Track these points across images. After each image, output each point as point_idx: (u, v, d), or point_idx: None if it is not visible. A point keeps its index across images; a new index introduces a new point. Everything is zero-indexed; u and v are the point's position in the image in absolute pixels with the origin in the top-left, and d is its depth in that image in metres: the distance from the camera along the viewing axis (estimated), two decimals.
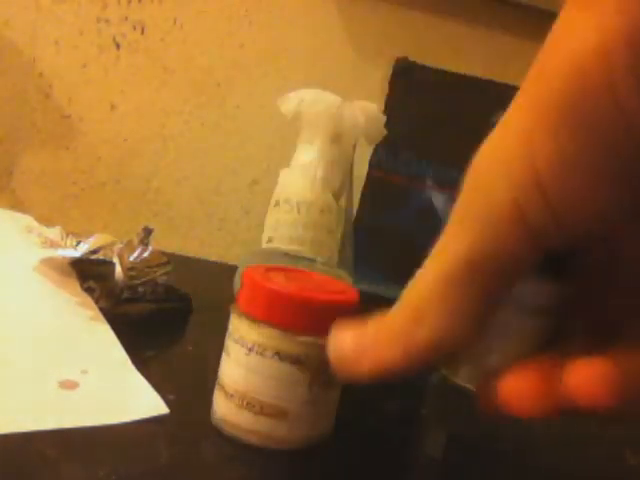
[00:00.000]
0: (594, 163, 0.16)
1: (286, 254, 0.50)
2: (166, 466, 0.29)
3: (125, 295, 0.45)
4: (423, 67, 0.61)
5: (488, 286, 0.18)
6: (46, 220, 0.57)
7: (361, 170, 0.60)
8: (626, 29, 0.15)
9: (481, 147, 0.19)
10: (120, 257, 0.45)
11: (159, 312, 0.47)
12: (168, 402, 0.33)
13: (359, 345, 0.22)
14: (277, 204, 0.52)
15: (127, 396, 0.34)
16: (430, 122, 0.60)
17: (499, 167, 0.17)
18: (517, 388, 0.21)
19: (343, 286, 0.35)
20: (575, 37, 0.16)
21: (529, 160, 0.17)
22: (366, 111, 0.52)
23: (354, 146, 0.53)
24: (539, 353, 0.21)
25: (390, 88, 0.62)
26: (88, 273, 0.46)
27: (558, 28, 0.17)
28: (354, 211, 0.57)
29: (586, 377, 0.19)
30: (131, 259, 0.46)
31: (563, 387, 0.19)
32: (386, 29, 0.74)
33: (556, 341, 0.22)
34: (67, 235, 0.51)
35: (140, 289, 0.46)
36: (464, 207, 0.19)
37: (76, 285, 0.46)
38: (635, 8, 0.15)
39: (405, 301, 0.20)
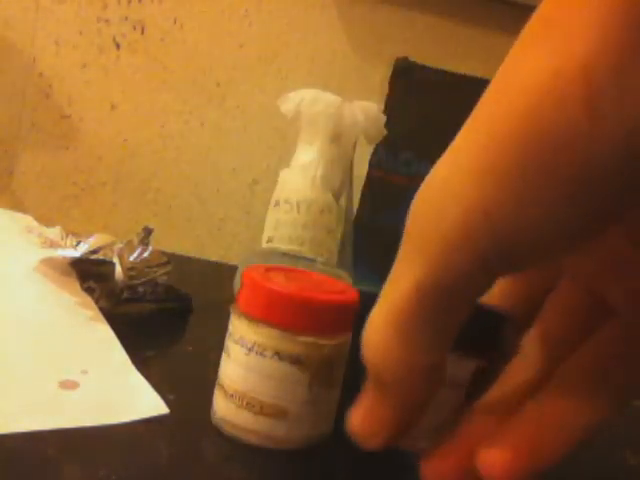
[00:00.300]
0: (550, 205, 0.16)
1: (286, 254, 0.50)
2: (166, 466, 0.29)
3: (125, 295, 0.45)
4: (423, 67, 0.61)
5: (442, 314, 0.19)
6: (46, 220, 0.57)
7: (361, 170, 0.60)
8: (582, 58, 0.14)
9: (432, 173, 0.18)
10: (120, 257, 0.45)
11: (159, 312, 0.47)
12: (168, 402, 0.33)
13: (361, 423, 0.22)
14: (277, 204, 0.52)
15: (127, 396, 0.34)
16: (430, 122, 0.60)
17: (450, 196, 0.17)
18: (440, 470, 0.21)
19: (343, 286, 0.35)
20: (529, 68, 0.15)
21: (480, 194, 0.16)
22: (366, 111, 0.52)
23: (354, 146, 0.53)
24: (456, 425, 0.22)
25: (390, 88, 0.62)
26: (88, 273, 0.46)
27: (511, 60, 0.16)
28: (354, 211, 0.57)
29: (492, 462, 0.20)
30: (131, 259, 0.46)
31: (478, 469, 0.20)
32: (386, 29, 0.74)
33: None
34: (67, 235, 0.51)
35: (140, 289, 0.46)
36: (414, 235, 0.18)
37: (76, 285, 0.46)
38: (592, 35, 0.14)
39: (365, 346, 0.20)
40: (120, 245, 0.46)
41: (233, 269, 0.54)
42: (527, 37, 0.16)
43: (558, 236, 0.16)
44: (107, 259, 0.45)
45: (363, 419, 0.21)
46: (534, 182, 0.15)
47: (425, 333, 0.19)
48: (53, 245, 0.50)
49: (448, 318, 0.19)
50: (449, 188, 0.17)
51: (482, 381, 0.25)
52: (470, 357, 0.24)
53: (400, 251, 0.19)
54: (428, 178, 0.18)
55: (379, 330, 0.19)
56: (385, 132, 0.54)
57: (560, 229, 0.16)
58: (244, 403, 0.31)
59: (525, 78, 0.15)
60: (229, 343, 0.33)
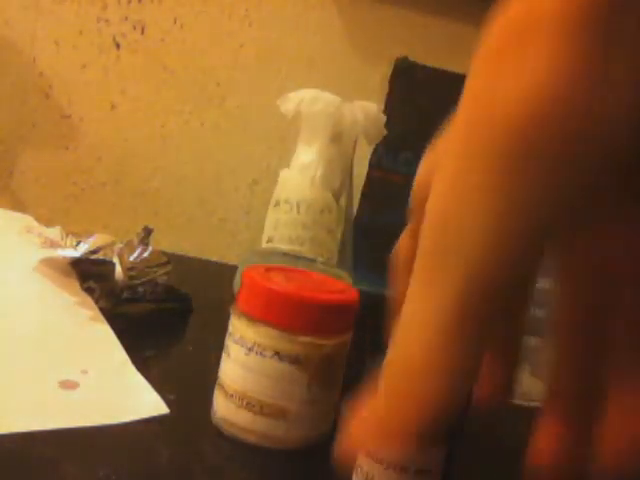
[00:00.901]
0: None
1: (286, 254, 0.50)
2: (166, 466, 0.29)
3: (125, 295, 0.45)
4: (423, 67, 0.61)
5: (492, 309, 0.18)
6: (46, 220, 0.57)
7: (361, 170, 0.60)
8: (562, 72, 0.16)
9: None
10: (120, 257, 0.45)
11: (159, 312, 0.47)
12: (168, 402, 0.33)
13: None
14: (277, 204, 0.52)
15: (127, 396, 0.34)
16: (430, 122, 0.60)
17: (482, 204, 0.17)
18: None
19: (343, 286, 0.35)
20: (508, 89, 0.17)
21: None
22: (366, 111, 0.52)
23: (354, 146, 0.53)
24: None
25: (390, 88, 0.62)
26: (88, 273, 0.46)
27: (475, 90, 0.18)
28: (354, 211, 0.57)
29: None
30: (131, 259, 0.46)
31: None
32: (386, 29, 0.74)
33: None
34: (67, 235, 0.51)
35: (140, 289, 0.46)
36: (438, 254, 0.18)
37: (76, 285, 0.46)
38: (559, 52, 0.16)
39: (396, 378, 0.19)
40: (120, 245, 0.46)
41: (233, 269, 0.54)
42: (488, 64, 0.18)
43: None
44: (107, 259, 0.45)
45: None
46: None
47: (472, 338, 0.18)
48: (53, 245, 0.50)
49: (495, 314, 0.18)
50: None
51: (449, 461, 0.25)
52: (444, 445, 0.25)
53: (415, 278, 0.19)
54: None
55: (421, 347, 0.18)
56: (385, 132, 0.54)
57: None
58: (244, 403, 0.31)
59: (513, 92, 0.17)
60: (229, 343, 0.33)
